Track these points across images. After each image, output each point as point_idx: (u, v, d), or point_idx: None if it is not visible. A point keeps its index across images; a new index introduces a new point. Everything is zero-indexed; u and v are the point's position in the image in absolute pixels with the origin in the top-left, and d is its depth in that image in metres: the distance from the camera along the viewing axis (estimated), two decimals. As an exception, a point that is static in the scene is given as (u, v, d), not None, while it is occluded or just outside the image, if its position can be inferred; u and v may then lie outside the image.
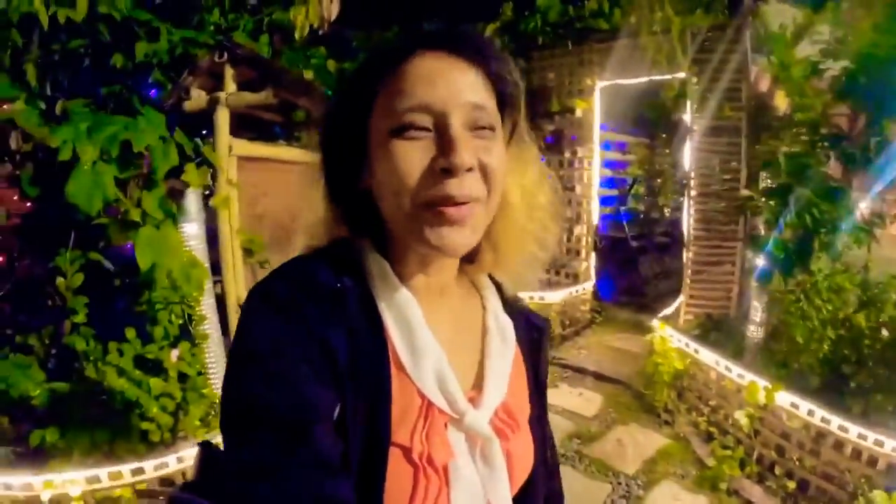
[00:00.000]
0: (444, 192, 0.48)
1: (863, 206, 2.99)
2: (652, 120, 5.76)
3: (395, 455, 0.50)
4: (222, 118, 2.76)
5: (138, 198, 2.42)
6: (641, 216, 7.40)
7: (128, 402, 2.29)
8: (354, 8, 4.16)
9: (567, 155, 4.93)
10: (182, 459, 2.10)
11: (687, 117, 4.20)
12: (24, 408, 2.32)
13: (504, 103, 0.54)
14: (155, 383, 2.36)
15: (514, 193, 0.58)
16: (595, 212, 4.99)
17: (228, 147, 2.76)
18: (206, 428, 2.44)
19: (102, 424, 2.28)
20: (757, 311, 3.36)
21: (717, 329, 3.62)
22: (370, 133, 0.52)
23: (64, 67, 2.86)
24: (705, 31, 3.95)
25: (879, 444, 2.12)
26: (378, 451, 0.49)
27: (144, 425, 2.31)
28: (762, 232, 3.61)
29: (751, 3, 3.84)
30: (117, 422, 2.29)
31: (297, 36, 3.66)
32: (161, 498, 2.06)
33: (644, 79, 4.43)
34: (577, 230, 4.90)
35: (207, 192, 2.84)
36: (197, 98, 2.83)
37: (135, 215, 2.39)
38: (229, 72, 2.79)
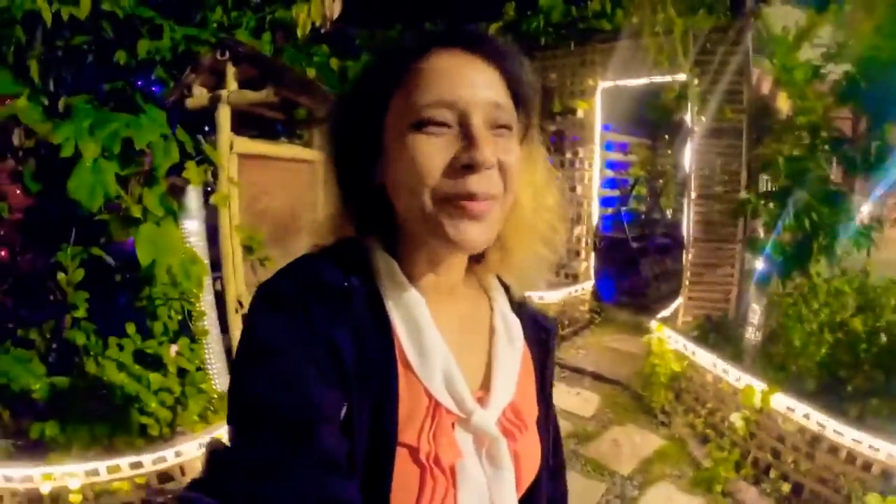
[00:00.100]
0: (465, 187, 0.48)
1: (863, 210, 2.99)
2: (654, 121, 5.75)
3: (401, 455, 0.49)
4: (224, 116, 2.77)
5: (139, 195, 2.44)
6: (643, 217, 7.40)
7: (127, 397, 2.31)
8: (357, 6, 4.17)
9: (568, 155, 4.93)
10: (180, 454, 2.12)
11: (688, 119, 4.19)
12: (25, 401, 2.34)
13: (519, 104, 0.54)
14: (154, 378, 2.38)
15: (523, 193, 0.57)
16: (595, 212, 4.99)
17: (229, 145, 2.78)
18: (205, 423, 2.45)
19: (102, 418, 2.30)
20: (755, 313, 3.36)
21: (716, 331, 3.62)
22: (385, 129, 0.52)
23: (67, 64, 2.88)
24: (707, 33, 3.94)
25: (874, 448, 2.13)
26: (385, 451, 0.49)
27: (143, 420, 2.33)
28: (761, 234, 3.61)
29: (753, 5, 3.83)
30: (116, 416, 2.30)
31: (299, 34, 3.68)
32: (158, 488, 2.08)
33: (645, 80, 4.43)
34: (577, 230, 4.90)
35: (209, 189, 2.86)
36: (199, 96, 2.84)
37: (136, 212, 2.40)
38: (231, 70, 2.80)
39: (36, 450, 2.20)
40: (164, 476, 2.11)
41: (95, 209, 2.28)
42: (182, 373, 2.50)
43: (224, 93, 2.77)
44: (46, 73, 2.74)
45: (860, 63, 2.89)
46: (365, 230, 0.57)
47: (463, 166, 0.48)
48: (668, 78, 4.21)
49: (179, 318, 2.56)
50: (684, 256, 4.28)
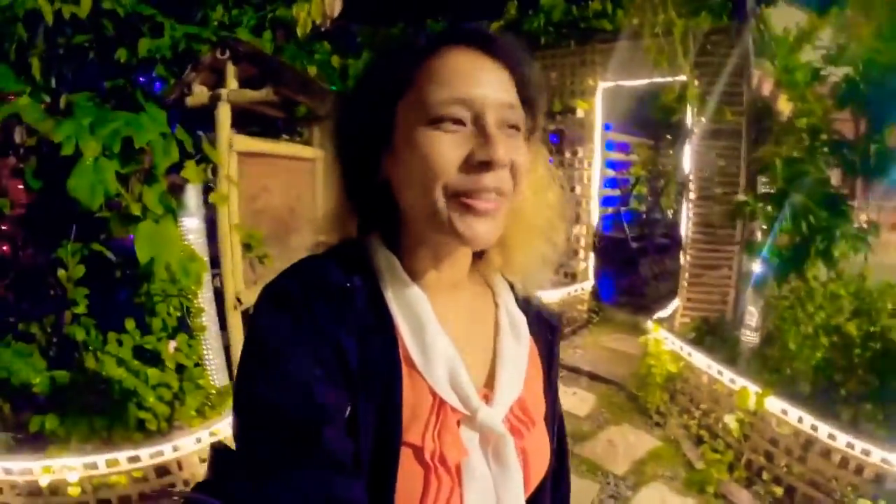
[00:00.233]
0: (479, 184, 0.49)
1: (861, 214, 2.98)
2: (656, 121, 5.74)
3: (406, 454, 0.49)
4: (224, 114, 2.79)
5: (139, 193, 2.46)
6: (643, 217, 7.39)
7: (126, 392, 2.34)
8: (357, 4, 4.17)
9: (568, 155, 4.93)
10: (177, 448, 2.14)
11: (688, 120, 4.19)
12: (25, 395, 2.36)
13: (526, 104, 0.55)
14: (153, 373, 2.40)
15: (525, 192, 0.57)
16: (594, 212, 4.99)
17: (229, 143, 2.79)
18: (202, 418, 2.48)
19: (101, 412, 2.32)
20: (752, 316, 3.36)
21: (713, 333, 3.62)
22: (396, 125, 0.52)
23: (68, 62, 2.89)
24: (707, 34, 3.93)
25: (867, 452, 2.13)
26: (389, 450, 0.48)
27: (141, 414, 2.35)
28: (759, 237, 3.60)
29: (754, 6, 3.81)
30: (115, 410, 2.33)
31: (300, 32, 3.69)
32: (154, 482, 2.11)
33: (646, 80, 4.42)
34: (577, 230, 4.91)
35: (209, 186, 2.87)
36: (199, 94, 2.85)
37: (135, 210, 2.42)
38: (231, 68, 2.81)
39: (35, 443, 2.23)
40: (162, 470, 2.14)
41: (96, 207, 2.29)
42: (180, 368, 2.52)
43: (224, 91, 2.78)
44: (48, 70, 2.75)
45: (860, 66, 2.88)
46: (367, 226, 0.57)
47: (479, 163, 0.49)
48: (668, 79, 4.20)
49: (178, 314, 2.58)
50: (682, 258, 4.28)
